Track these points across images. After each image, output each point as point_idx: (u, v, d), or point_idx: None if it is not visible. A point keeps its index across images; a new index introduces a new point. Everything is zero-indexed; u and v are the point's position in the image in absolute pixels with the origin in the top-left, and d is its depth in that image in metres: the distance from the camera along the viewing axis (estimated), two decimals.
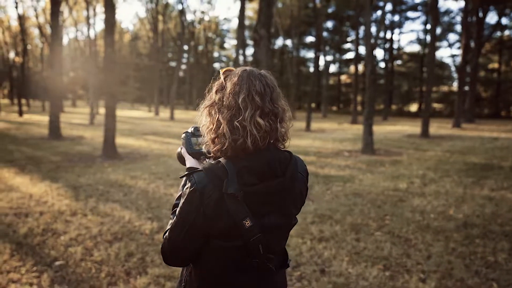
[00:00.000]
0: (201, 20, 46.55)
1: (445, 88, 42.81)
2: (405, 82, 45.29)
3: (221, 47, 61.07)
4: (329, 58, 48.25)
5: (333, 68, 51.21)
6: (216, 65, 59.78)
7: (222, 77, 1.24)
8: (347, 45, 48.06)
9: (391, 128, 22.09)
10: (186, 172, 1.21)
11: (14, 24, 40.97)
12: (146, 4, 36.53)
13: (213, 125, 1.18)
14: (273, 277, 1.27)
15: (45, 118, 21.25)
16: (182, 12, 33.08)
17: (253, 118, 1.13)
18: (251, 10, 41.50)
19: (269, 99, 1.17)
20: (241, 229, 1.12)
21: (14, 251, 3.89)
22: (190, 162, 1.39)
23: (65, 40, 45.31)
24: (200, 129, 1.27)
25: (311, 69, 45.97)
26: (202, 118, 1.25)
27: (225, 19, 68.53)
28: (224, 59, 62.65)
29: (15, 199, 5.79)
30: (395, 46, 43.50)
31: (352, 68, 44.58)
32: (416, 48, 49.87)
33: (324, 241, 4.28)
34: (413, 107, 45.49)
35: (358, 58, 34.07)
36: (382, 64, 41.35)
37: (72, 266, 3.61)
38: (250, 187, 1.13)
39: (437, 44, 37.76)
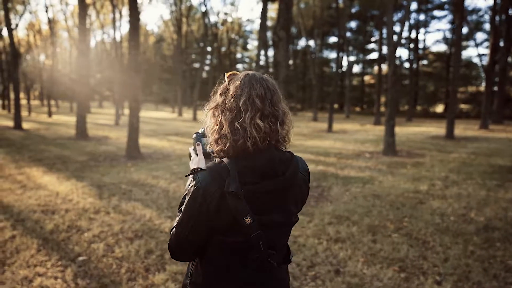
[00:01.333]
0: (224, 22, 46.84)
1: (472, 89, 41.60)
2: (431, 83, 44.25)
3: (244, 48, 61.23)
4: (353, 58, 47.79)
5: (356, 69, 50.69)
6: (239, 66, 60.00)
7: (226, 80, 1.31)
8: (371, 45, 47.44)
9: (415, 129, 21.69)
10: (191, 171, 1.27)
11: (45, 27, 42.38)
12: (170, 7, 37.13)
13: (216, 126, 1.25)
14: (275, 272, 1.33)
15: (72, 119, 21.90)
16: (205, 14, 33.38)
17: (253, 120, 1.19)
18: (274, 11, 41.48)
19: (269, 102, 1.23)
20: (242, 225, 1.18)
21: (40, 246, 4.07)
22: (201, 161, 1.46)
23: (92, 43, 46.52)
24: (205, 130, 1.34)
25: (334, 70, 45.57)
26: (207, 120, 1.31)
27: (248, 20, 68.66)
28: (247, 60, 62.75)
29: (43, 197, 6.04)
30: (420, 45, 42.64)
31: (375, 69, 43.96)
32: (442, 47, 48.73)
33: (340, 242, 4.29)
34: (439, 108, 44.45)
35: (381, 58, 33.55)
36: (407, 64, 40.56)
37: (94, 261, 3.75)
38: (251, 186, 1.18)
39: (465, 43, 36.78)
